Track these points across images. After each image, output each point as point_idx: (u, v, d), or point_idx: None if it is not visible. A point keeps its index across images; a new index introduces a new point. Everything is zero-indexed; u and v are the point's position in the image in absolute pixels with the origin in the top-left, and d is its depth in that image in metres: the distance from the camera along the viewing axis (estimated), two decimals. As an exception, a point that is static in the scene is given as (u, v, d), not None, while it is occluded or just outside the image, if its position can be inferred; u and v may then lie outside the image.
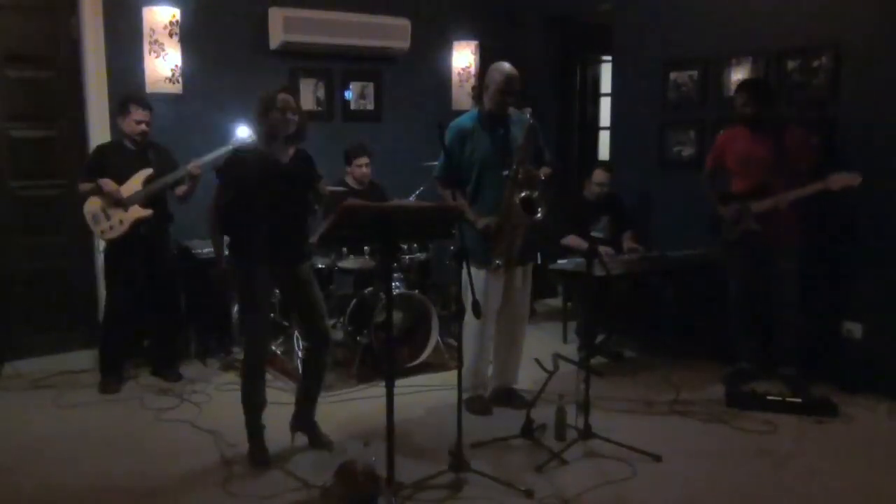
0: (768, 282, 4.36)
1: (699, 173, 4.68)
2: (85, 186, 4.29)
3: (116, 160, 4.31)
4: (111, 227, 4.27)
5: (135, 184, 4.29)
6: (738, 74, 4.87)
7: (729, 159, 4.42)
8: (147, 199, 4.31)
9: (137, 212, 4.28)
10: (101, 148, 4.45)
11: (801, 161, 4.21)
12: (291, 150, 3.44)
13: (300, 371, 4.41)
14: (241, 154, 3.41)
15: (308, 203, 3.50)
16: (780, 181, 4.19)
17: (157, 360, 4.63)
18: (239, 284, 3.44)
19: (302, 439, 3.64)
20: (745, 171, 4.33)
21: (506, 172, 3.79)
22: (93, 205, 4.27)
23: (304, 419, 3.63)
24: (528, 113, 3.86)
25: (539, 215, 3.76)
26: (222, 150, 4.22)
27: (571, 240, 5.14)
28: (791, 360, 4.37)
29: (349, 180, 5.05)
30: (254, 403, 3.51)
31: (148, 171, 4.32)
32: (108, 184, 4.22)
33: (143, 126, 4.32)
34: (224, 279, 3.61)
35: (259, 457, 3.44)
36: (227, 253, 3.50)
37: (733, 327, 4.56)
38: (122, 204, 4.26)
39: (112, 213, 4.27)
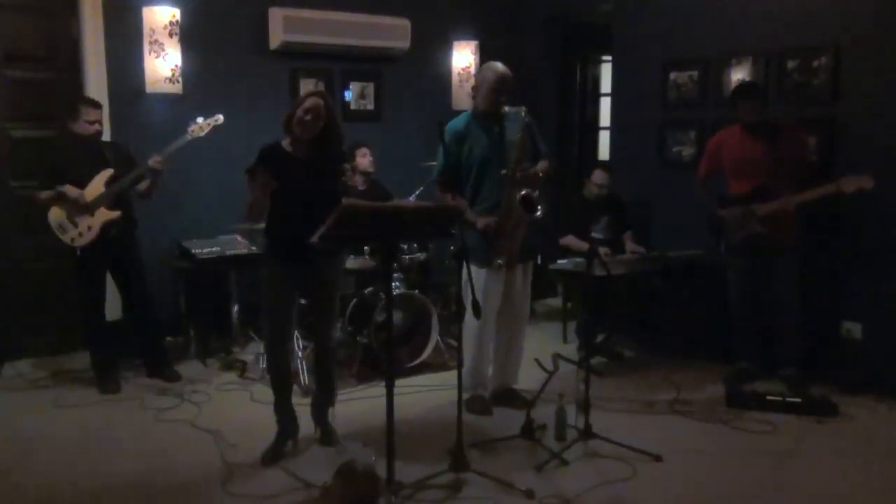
0: (769, 282, 4.36)
1: (696, 180, 4.68)
2: (45, 195, 4.16)
3: (75, 164, 4.21)
4: (80, 234, 4.18)
5: (98, 186, 4.20)
6: (738, 74, 4.87)
7: (725, 162, 4.42)
8: (112, 200, 4.23)
9: (105, 214, 4.20)
10: (54, 154, 4.32)
11: (797, 161, 4.20)
12: (315, 151, 3.44)
13: (303, 371, 4.42)
14: (266, 151, 3.43)
15: (334, 197, 3.48)
16: (779, 182, 4.19)
17: (150, 362, 4.61)
18: (264, 281, 3.48)
19: (301, 439, 3.64)
20: (743, 173, 4.32)
21: (504, 171, 3.79)
22: (57, 214, 4.17)
23: (318, 417, 3.69)
24: (523, 111, 3.85)
25: (539, 213, 3.76)
26: (181, 142, 4.23)
27: (569, 240, 5.14)
28: (791, 361, 4.37)
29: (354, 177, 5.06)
30: (280, 391, 3.55)
31: (109, 172, 4.22)
32: (71, 190, 4.11)
33: (96, 126, 4.24)
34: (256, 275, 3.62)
35: (269, 455, 3.46)
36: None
37: (734, 328, 4.56)
38: (88, 208, 4.16)
39: (79, 220, 4.18)
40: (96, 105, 4.31)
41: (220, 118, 4.29)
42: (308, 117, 3.33)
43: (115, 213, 4.23)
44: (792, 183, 4.15)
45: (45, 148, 4.58)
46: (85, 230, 4.19)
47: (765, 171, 4.22)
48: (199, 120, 4.24)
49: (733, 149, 4.35)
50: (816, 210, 4.20)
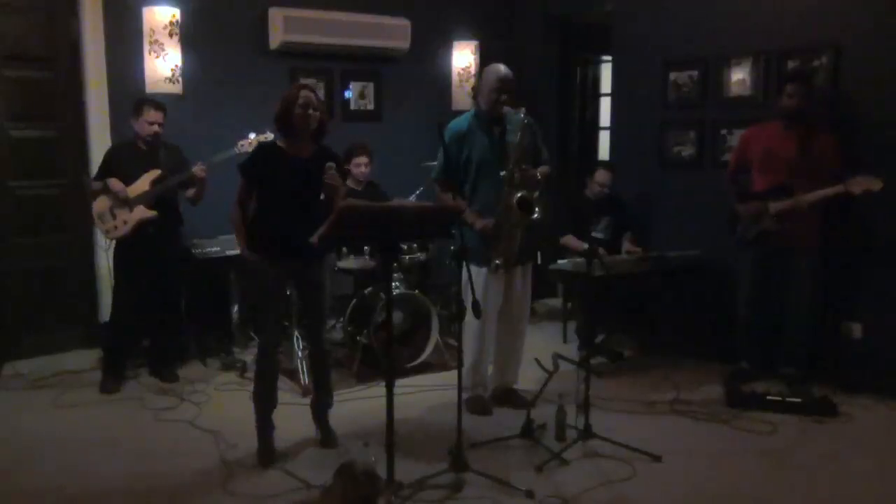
0: (782, 282, 4.34)
1: (699, 173, 4.68)
2: (95, 185, 4.34)
3: (127, 160, 4.33)
4: (115, 227, 4.29)
5: (142, 184, 4.30)
6: (738, 74, 4.88)
7: (752, 155, 4.40)
8: (153, 200, 4.31)
9: (142, 212, 4.28)
10: (113, 148, 4.48)
11: (825, 164, 4.17)
12: (312, 147, 3.46)
13: (303, 371, 4.43)
14: (262, 150, 3.44)
15: (327, 199, 3.49)
16: (802, 182, 4.15)
17: (155, 361, 4.62)
18: (256, 281, 3.45)
19: (301, 440, 3.64)
20: (767, 168, 4.30)
21: (503, 173, 3.79)
22: (101, 204, 4.30)
23: (318, 418, 3.67)
24: (522, 112, 3.86)
25: (536, 215, 3.76)
26: (228, 153, 4.26)
27: (569, 239, 5.14)
28: (791, 361, 4.37)
29: (348, 181, 5.04)
30: (264, 404, 3.53)
31: (156, 172, 4.32)
32: (115, 183, 4.25)
33: (155, 127, 4.33)
34: (248, 276, 3.60)
35: (267, 456, 3.45)
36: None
37: (744, 327, 4.56)
38: (128, 204, 4.27)
39: (118, 213, 4.29)
40: (159, 107, 4.36)
41: (271, 135, 4.24)
42: (311, 112, 3.35)
43: (152, 213, 4.30)
44: (813, 184, 4.12)
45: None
46: (121, 224, 4.29)
47: (790, 169, 4.19)
48: (252, 136, 4.25)
49: (763, 143, 4.32)
50: (829, 211, 4.18)
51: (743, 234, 4.40)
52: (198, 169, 4.26)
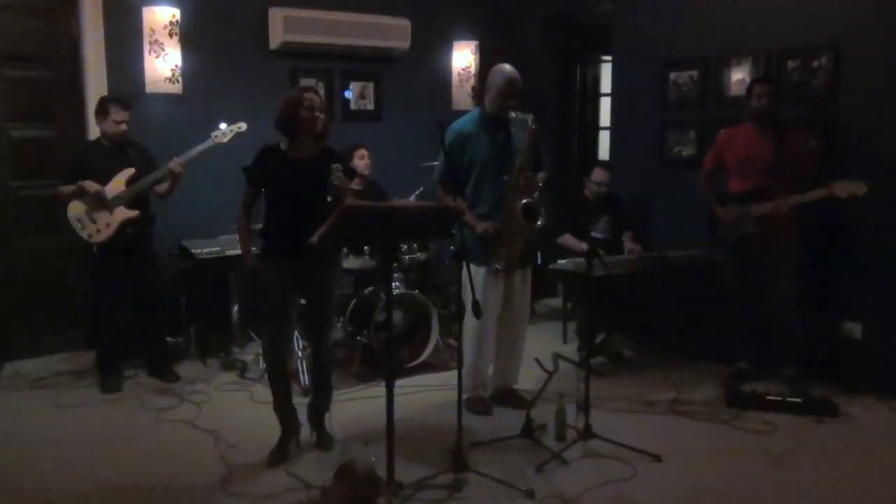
0: (766, 281, 4.35)
1: (699, 173, 4.68)
2: (66, 189, 4.21)
3: (97, 161, 4.25)
4: (98, 231, 4.22)
5: (118, 184, 4.24)
6: (738, 74, 4.88)
7: (729, 158, 4.42)
8: (132, 200, 4.27)
9: (123, 213, 4.24)
10: (79, 150, 4.39)
11: (801, 164, 4.20)
12: (315, 149, 3.46)
13: (303, 371, 4.43)
14: (265, 152, 3.44)
15: (335, 200, 3.49)
16: (779, 183, 4.19)
17: (151, 361, 4.62)
18: (260, 282, 3.46)
19: (301, 440, 3.64)
20: (745, 171, 4.33)
21: (506, 178, 3.78)
22: (76, 209, 4.21)
23: (314, 421, 3.67)
24: (530, 118, 3.84)
25: (539, 222, 3.76)
26: (203, 147, 4.24)
27: (567, 239, 5.14)
28: (791, 360, 4.37)
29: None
30: (285, 405, 3.54)
31: (131, 171, 4.26)
32: (92, 185, 4.16)
33: (122, 126, 4.26)
34: (251, 276, 3.61)
35: (278, 456, 3.46)
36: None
37: (732, 327, 4.56)
38: (108, 206, 4.21)
39: (98, 216, 4.21)
40: (125, 106, 4.32)
41: (244, 126, 4.27)
42: (316, 114, 3.36)
43: (134, 213, 4.27)
44: (791, 185, 4.15)
45: (72, 144, 4.64)
46: (103, 227, 4.23)
47: (767, 172, 4.22)
48: (223, 126, 4.24)
49: (740, 146, 4.35)
50: (816, 211, 4.19)
51: (724, 235, 4.41)
52: (175, 164, 4.20)
